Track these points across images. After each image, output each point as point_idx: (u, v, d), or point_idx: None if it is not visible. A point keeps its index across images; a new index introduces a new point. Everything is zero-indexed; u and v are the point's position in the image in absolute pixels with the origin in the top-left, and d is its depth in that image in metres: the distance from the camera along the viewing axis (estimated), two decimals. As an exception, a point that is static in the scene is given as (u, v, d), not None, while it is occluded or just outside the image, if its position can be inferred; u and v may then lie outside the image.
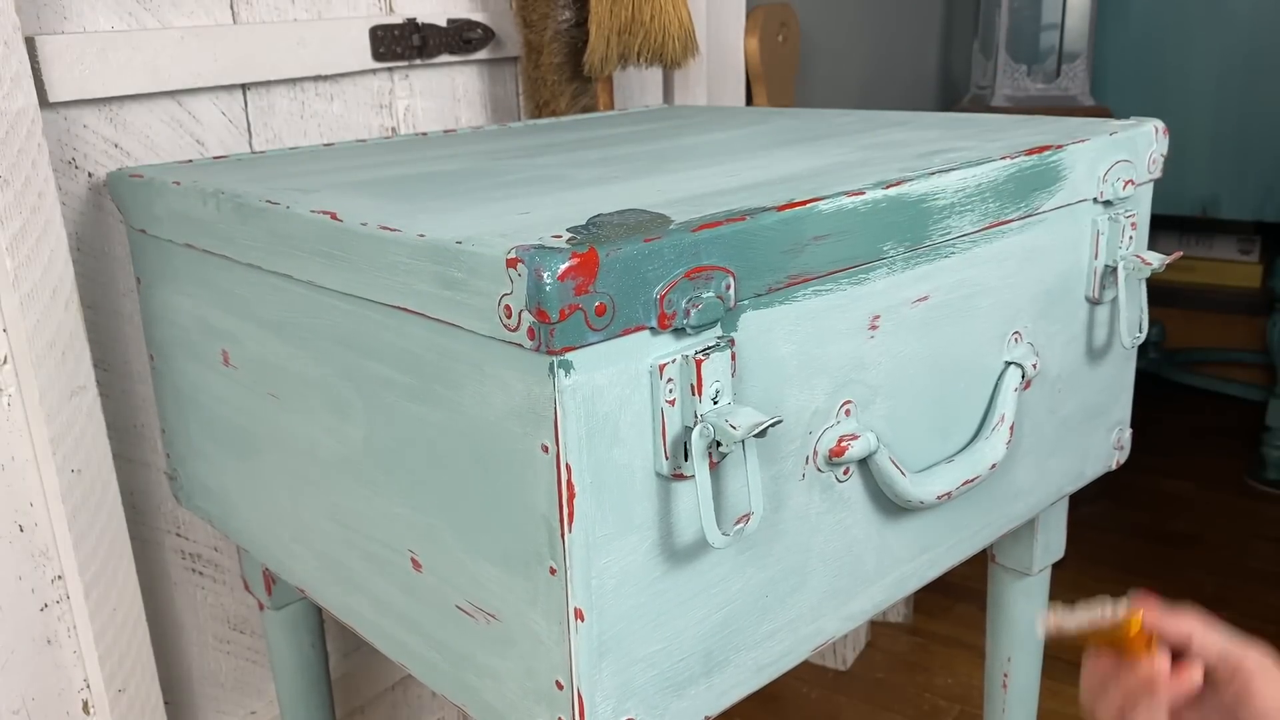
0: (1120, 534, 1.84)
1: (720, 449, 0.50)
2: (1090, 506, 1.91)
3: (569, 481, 0.48)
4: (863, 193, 0.57)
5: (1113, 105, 2.23)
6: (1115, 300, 0.76)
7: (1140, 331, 0.76)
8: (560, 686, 0.51)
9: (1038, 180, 0.68)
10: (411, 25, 1.01)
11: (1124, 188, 0.74)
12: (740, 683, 0.58)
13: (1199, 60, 2.19)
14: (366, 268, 0.55)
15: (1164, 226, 2.44)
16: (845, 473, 0.61)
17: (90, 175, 0.83)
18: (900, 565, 0.67)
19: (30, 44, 0.76)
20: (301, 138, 0.96)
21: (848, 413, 0.60)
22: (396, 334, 0.55)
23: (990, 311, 0.68)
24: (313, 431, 0.66)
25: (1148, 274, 0.75)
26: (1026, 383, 0.71)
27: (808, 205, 0.55)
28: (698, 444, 0.50)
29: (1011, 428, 0.69)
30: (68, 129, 0.81)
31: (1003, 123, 0.80)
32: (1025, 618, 0.91)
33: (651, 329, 0.48)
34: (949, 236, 0.63)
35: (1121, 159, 0.74)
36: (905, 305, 0.62)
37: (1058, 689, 1.45)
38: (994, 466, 0.68)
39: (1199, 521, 1.87)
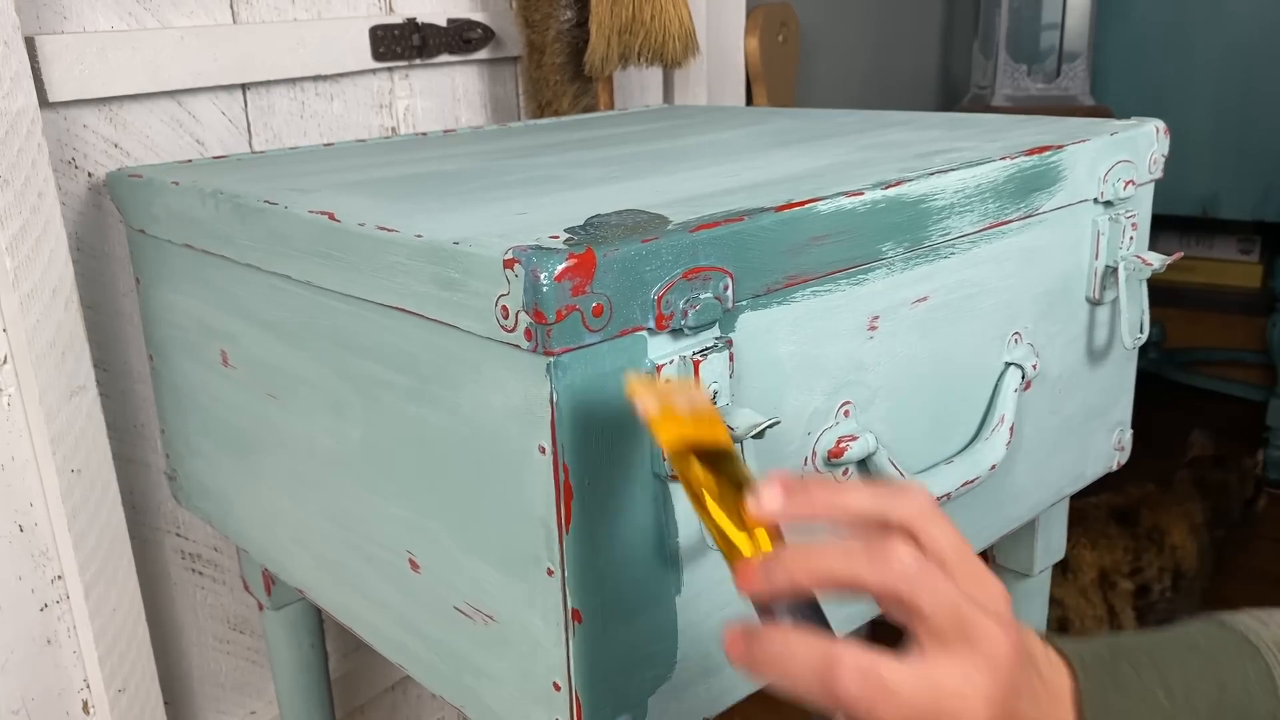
0: (1121, 534, 1.83)
1: (718, 450, 0.50)
2: (1091, 507, 1.91)
3: (566, 483, 0.48)
4: (862, 193, 0.57)
5: (1113, 105, 2.23)
6: (1116, 301, 0.76)
7: (1141, 332, 0.76)
8: (558, 688, 0.51)
9: (1038, 180, 0.68)
10: (411, 25, 1.01)
11: (1124, 188, 0.74)
12: (739, 684, 0.58)
13: (1199, 60, 2.19)
14: (364, 268, 0.55)
15: (1164, 226, 2.44)
16: (844, 473, 0.61)
17: (90, 175, 0.83)
18: (899, 566, 0.67)
19: (30, 44, 0.76)
20: (301, 138, 0.96)
21: (847, 413, 0.60)
22: (394, 334, 0.55)
23: (990, 312, 0.68)
24: (311, 432, 0.66)
25: (1148, 274, 0.75)
26: (1027, 383, 0.71)
27: (806, 206, 0.54)
28: (696, 445, 0.50)
29: (1011, 429, 0.69)
30: (68, 129, 0.81)
31: (1003, 123, 0.80)
32: (1025, 619, 0.91)
33: (649, 330, 0.48)
34: (949, 237, 0.63)
35: (1122, 159, 0.74)
36: (904, 306, 0.62)
37: (1058, 689, 1.45)
38: (994, 467, 0.68)
39: (1199, 522, 1.87)
